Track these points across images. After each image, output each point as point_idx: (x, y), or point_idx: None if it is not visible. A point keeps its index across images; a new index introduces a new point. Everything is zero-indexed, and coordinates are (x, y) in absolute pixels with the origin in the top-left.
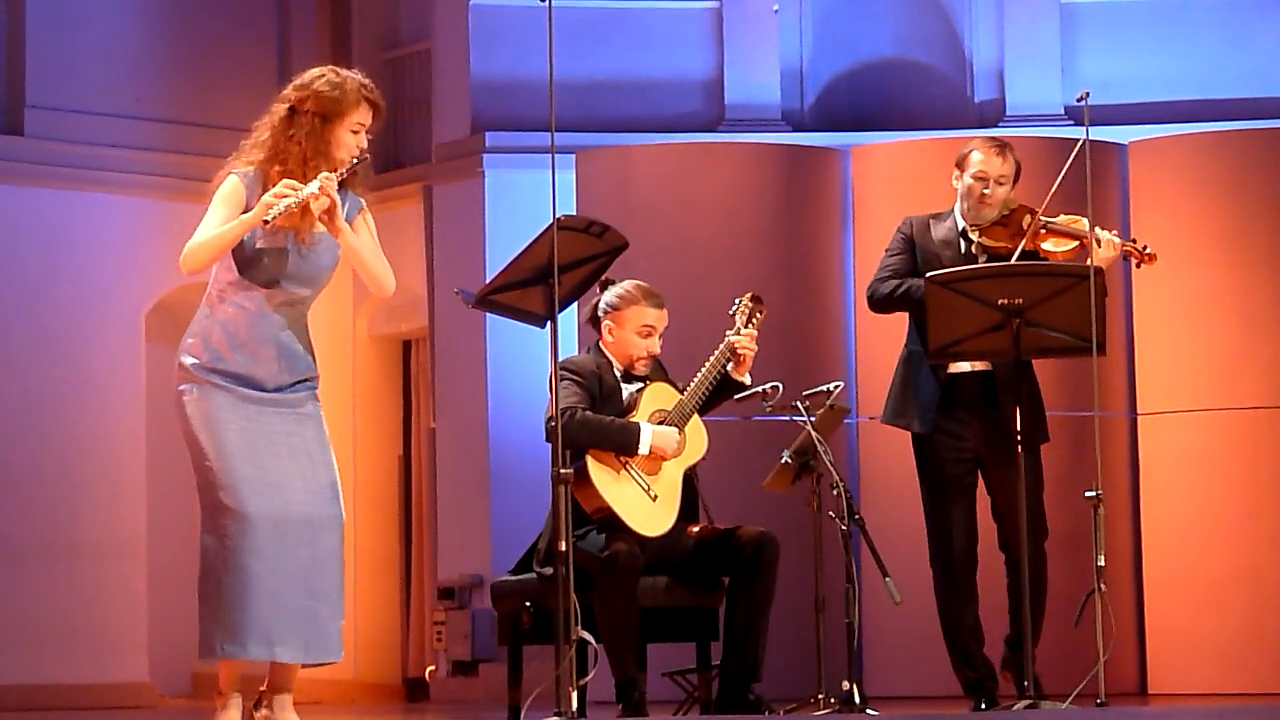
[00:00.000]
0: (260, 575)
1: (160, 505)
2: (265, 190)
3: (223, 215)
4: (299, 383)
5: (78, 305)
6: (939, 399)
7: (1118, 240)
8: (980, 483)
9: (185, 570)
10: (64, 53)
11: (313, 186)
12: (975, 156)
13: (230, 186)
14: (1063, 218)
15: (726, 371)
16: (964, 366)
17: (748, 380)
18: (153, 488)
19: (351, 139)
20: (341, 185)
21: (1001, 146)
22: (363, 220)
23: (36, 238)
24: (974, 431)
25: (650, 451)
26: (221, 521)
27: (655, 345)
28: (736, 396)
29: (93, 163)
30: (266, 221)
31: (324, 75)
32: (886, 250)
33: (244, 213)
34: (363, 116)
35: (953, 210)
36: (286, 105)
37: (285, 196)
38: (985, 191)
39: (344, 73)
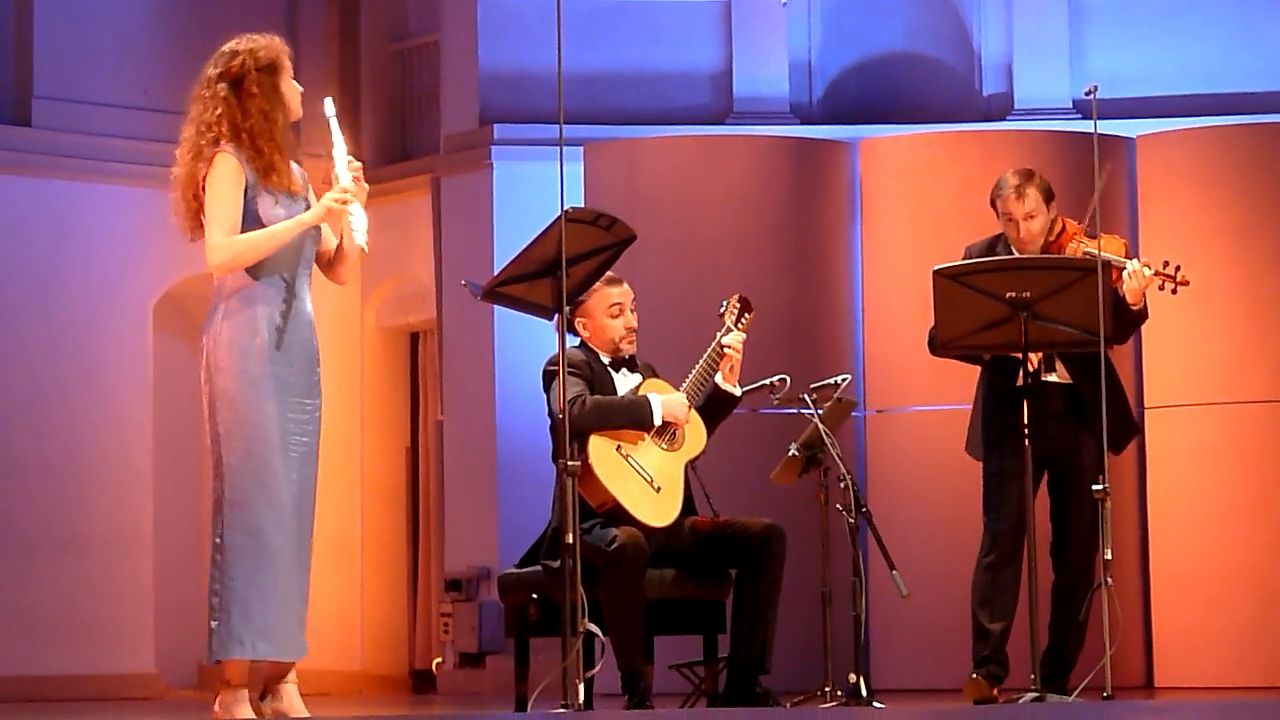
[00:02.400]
0: (296, 572)
1: (167, 497)
2: (251, 161)
3: (231, 197)
4: (318, 373)
5: (85, 296)
6: (1004, 418)
7: (1148, 271)
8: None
9: (192, 562)
10: (72, 44)
11: (347, 180)
12: (998, 203)
13: (228, 168)
14: (1104, 241)
15: (717, 384)
16: (1051, 378)
17: (737, 391)
18: (160, 479)
19: (293, 89)
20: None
21: (1020, 184)
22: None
23: (44, 229)
24: (1046, 436)
25: (663, 419)
26: (260, 519)
27: (630, 319)
28: (743, 391)
29: (100, 154)
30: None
31: (244, 38)
32: None
33: (246, 187)
34: (290, 66)
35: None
36: (226, 82)
37: (346, 201)
38: (1020, 234)
39: (251, 35)
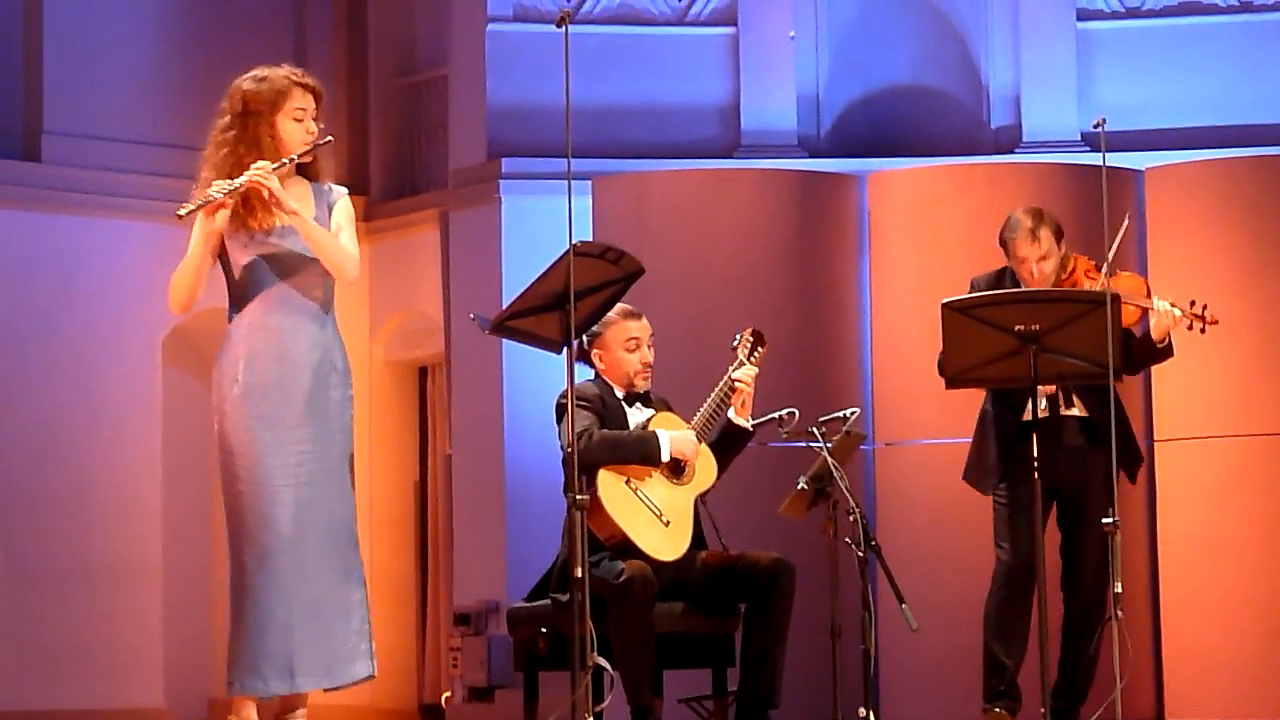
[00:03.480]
0: (275, 608)
1: (176, 530)
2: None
3: (195, 241)
4: (330, 398)
5: (94, 330)
6: (1014, 448)
7: (1177, 312)
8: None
9: (200, 595)
10: (81, 78)
11: (243, 178)
12: (1009, 244)
13: (199, 219)
14: (1122, 280)
15: (729, 418)
16: (1071, 412)
17: (749, 425)
18: (168, 512)
19: (296, 128)
20: (311, 176)
21: (1034, 226)
22: (341, 206)
23: (53, 263)
24: (1052, 465)
25: (671, 455)
26: (246, 559)
27: (647, 355)
28: (752, 425)
29: (109, 188)
30: (181, 216)
31: (250, 75)
32: None
33: (220, 233)
34: (300, 102)
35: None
36: (224, 118)
37: (209, 188)
38: (1032, 275)
39: (270, 68)
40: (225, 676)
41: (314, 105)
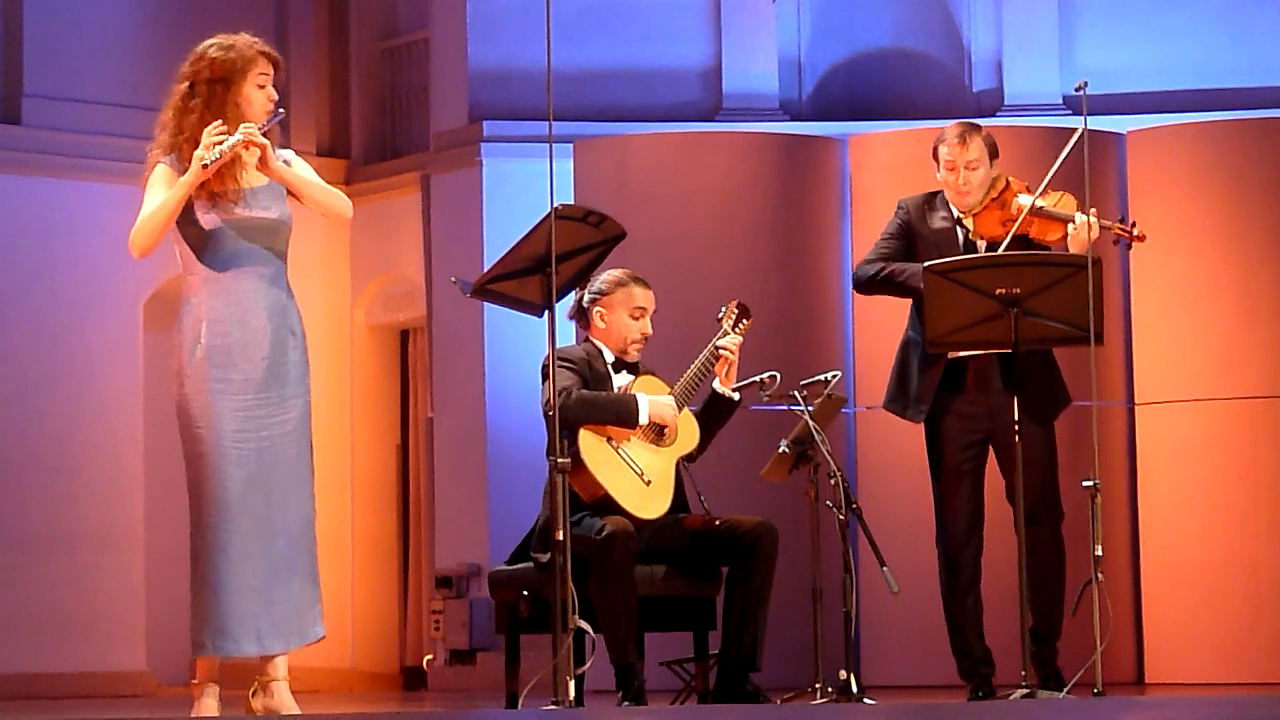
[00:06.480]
0: (244, 570)
1: (158, 494)
2: (187, 168)
3: (159, 196)
4: (289, 360)
5: (75, 294)
6: (939, 384)
7: (1099, 224)
8: (994, 465)
9: (183, 560)
10: (62, 42)
11: (237, 136)
12: (940, 150)
13: (160, 172)
14: (1051, 197)
15: (715, 388)
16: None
17: (737, 395)
18: (150, 477)
19: (259, 95)
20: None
21: (965, 131)
22: (299, 163)
23: (34, 227)
24: (983, 411)
25: (649, 419)
26: (209, 519)
27: (647, 326)
28: (733, 388)
29: (90, 152)
30: (206, 165)
31: (214, 42)
32: (883, 233)
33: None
34: (264, 69)
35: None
36: (185, 83)
37: (217, 144)
38: (959, 182)
39: (232, 36)
40: (192, 637)
41: (273, 74)
